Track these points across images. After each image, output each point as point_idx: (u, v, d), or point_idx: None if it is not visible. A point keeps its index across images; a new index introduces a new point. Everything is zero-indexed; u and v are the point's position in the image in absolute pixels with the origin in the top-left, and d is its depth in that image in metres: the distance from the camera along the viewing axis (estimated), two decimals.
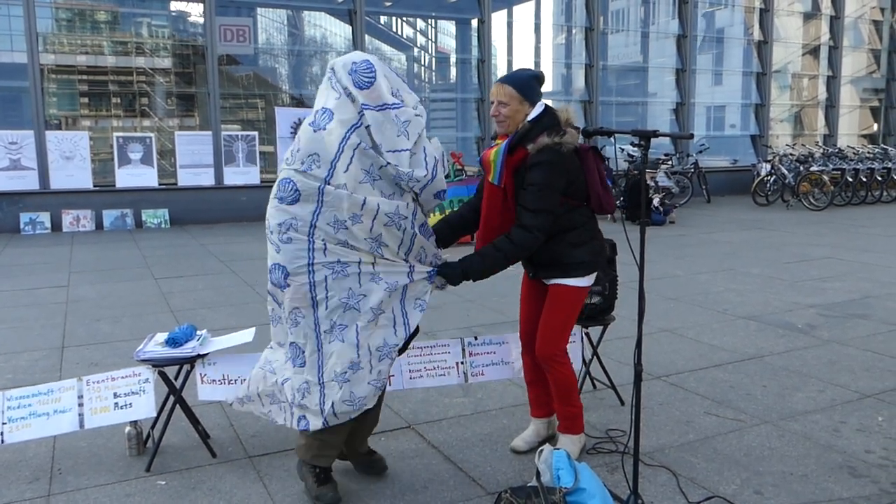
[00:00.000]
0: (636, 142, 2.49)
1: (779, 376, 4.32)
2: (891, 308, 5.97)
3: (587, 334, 3.83)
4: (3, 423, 3.07)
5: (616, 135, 2.73)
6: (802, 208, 13.91)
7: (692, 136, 2.70)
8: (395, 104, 2.63)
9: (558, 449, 2.73)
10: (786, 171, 14.83)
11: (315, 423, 2.72)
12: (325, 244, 2.60)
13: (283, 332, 2.79)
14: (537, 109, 2.98)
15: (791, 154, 15.58)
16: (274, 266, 2.66)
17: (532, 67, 17.67)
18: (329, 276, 2.61)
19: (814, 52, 20.05)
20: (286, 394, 2.78)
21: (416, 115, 2.69)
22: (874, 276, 7.30)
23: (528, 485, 2.70)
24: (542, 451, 2.72)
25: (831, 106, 19.96)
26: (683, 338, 5.16)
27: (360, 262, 2.64)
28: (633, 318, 2.81)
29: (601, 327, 3.84)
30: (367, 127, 2.59)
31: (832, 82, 19.84)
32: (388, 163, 2.59)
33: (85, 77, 13.83)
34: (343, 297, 2.63)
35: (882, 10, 21.01)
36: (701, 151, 15.78)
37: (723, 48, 19.17)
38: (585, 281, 3.10)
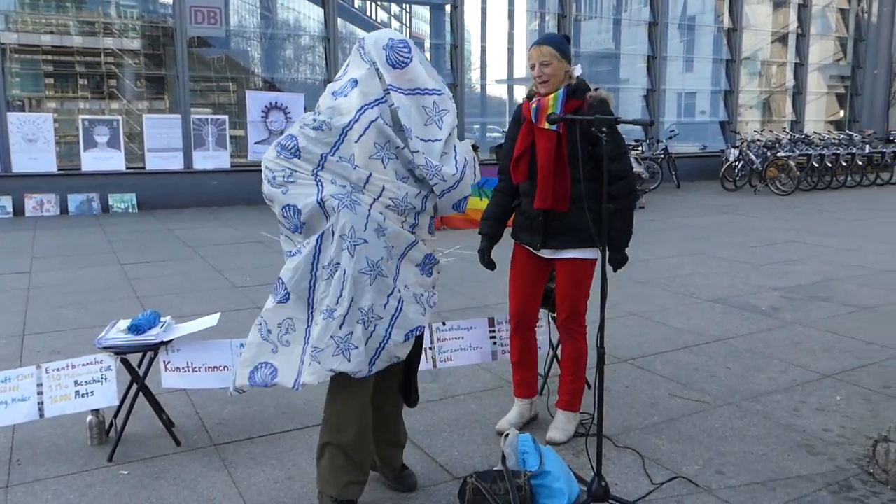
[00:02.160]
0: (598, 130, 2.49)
1: (742, 358, 4.39)
2: (851, 290, 6.09)
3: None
4: None
5: (579, 120, 2.73)
6: (769, 193, 14.11)
7: (652, 122, 2.77)
8: (434, 90, 2.46)
9: (523, 433, 2.74)
10: (753, 157, 15.03)
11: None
12: (332, 182, 2.39)
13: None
14: (579, 69, 3.10)
15: (759, 140, 15.80)
16: (287, 207, 2.43)
17: (501, 53, 17.67)
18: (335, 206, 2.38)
19: (782, 39, 20.28)
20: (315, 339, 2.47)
21: (454, 108, 2.54)
22: (836, 260, 7.45)
23: (494, 469, 2.72)
24: (507, 434, 2.73)
25: (798, 93, 20.23)
26: (650, 321, 5.22)
27: (371, 205, 2.41)
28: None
29: None
30: (392, 107, 2.41)
31: (800, 70, 20.09)
32: (416, 150, 2.40)
33: (50, 57, 13.50)
34: (344, 232, 2.38)
35: None
36: (671, 137, 15.92)
37: (693, 35, 19.30)
38: (594, 253, 3.15)
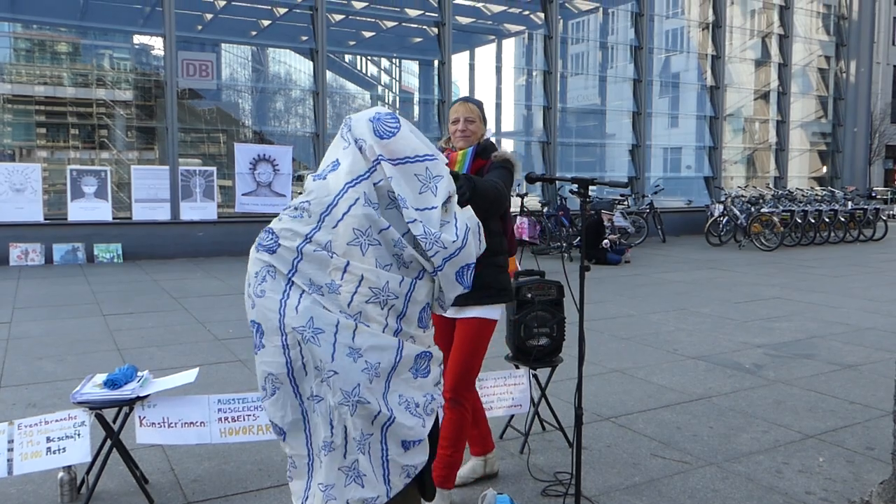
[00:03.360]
0: (574, 189, 2.54)
1: (725, 417, 4.37)
2: (835, 348, 6.12)
3: (535, 376, 3.84)
4: None
5: (557, 181, 2.78)
6: (754, 248, 14.26)
7: (628, 184, 2.78)
8: (426, 156, 2.30)
9: (501, 493, 2.71)
10: (738, 212, 15.25)
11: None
12: (300, 297, 2.22)
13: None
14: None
15: (743, 195, 16.05)
16: (252, 323, 2.33)
17: (489, 107, 17.99)
18: (300, 339, 2.22)
19: (764, 97, 20.82)
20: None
21: (448, 173, 2.38)
22: (820, 316, 7.49)
23: None
24: (484, 495, 2.70)
25: (781, 149, 20.67)
26: (634, 378, 5.20)
27: (336, 325, 2.20)
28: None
29: (549, 369, 3.86)
30: (379, 184, 2.26)
31: (782, 127, 20.57)
32: (412, 220, 2.24)
33: (42, 107, 13.65)
34: (317, 364, 2.23)
35: (827, 58, 21.96)
36: (656, 192, 16.16)
37: (678, 92, 19.78)
38: (499, 313, 3.09)
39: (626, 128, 18.01)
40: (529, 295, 3.70)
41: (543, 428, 4.05)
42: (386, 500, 2.27)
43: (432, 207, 2.27)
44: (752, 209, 15.06)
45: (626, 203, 15.12)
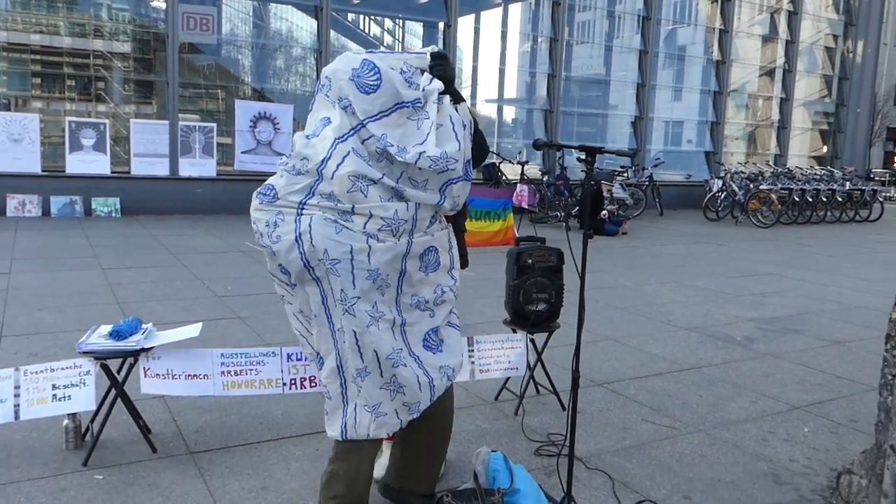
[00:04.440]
0: (581, 157, 2.57)
1: (715, 386, 4.47)
2: (825, 324, 6.21)
3: (532, 340, 3.91)
4: None
5: (565, 148, 2.81)
6: (750, 225, 14.32)
7: (634, 154, 2.81)
8: (415, 100, 2.39)
9: (495, 451, 2.79)
10: (736, 188, 15.28)
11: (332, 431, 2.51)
12: (309, 222, 2.34)
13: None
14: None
15: (742, 172, 16.06)
16: (278, 267, 2.45)
17: (493, 73, 17.83)
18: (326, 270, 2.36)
19: (769, 74, 20.69)
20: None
21: (431, 86, 2.42)
22: (812, 294, 7.58)
23: (467, 487, 2.76)
24: (479, 452, 2.78)
25: (783, 127, 20.61)
26: (627, 346, 5.29)
27: (351, 251, 2.34)
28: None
29: (546, 334, 3.93)
30: (366, 140, 2.36)
31: (785, 104, 20.49)
32: (412, 162, 2.33)
33: (38, 57, 13.48)
34: (339, 298, 2.38)
35: (835, 37, 21.78)
36: (656, 165, 16.15)
37: (683, 65, 19.63)
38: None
39: (630, 99, 17.91)
40: (530, 261, 3.75)
41: (538, 391, 4.14)
42: (428, 404, 2.50)
43: (427, 134, 2.37)
44: (751, 186, 15.09)
45: (625, 175, 15.11)
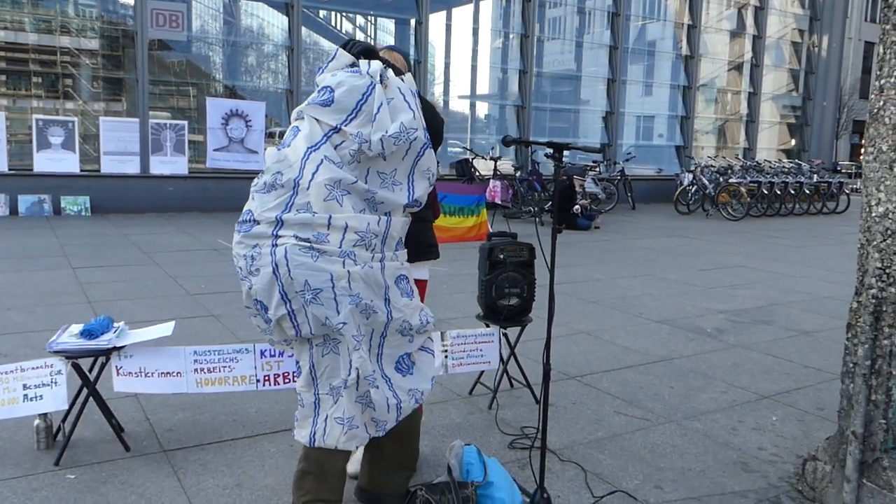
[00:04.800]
0: (548, 153, 2.60)
1: (686, 378, 4.55)
2: (793, 315, 6.34)
3: (505, 335, 3.95)
4: None
5: (533, 145, 2.84)
6: (721, 218, 14.54)
7: (601, 150, 2.84)
8: (369, 86, 2.45)
9: (469, 444, 2.82)
10: (706, 182, 15.49)
11: (301, 434, 2.53)
12: (285, 252, 2.34)
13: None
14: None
15: (712, 165, 16.29)
16: (254, 303, 2.45)
17: (465, 70, 17.87)
18: (304, 304, 2.38)
19: (738, 68, 20.99)
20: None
21: (373, 67, 2.49)
22: (780, 285, 7.73)
23: (441, 481, 2.78)
24: (453, 446, 2.80)
25: (751, 121, 20.93)
26: (599, 339, 5.36)
27: (332, 278, 2.37)
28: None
29: (519, 328, 3.97)
30: (339, 146, 2.42)
31: (753, 98, 20.80)
32: (378, 137, 2.39)
33: (3, 54, 13.21)
34: (323, 322, 2.41)
35: (801, 32, 22.15)
36: (628, 160, 16.31)
37: (653, 61, 19.84)
38: (426, 272, 3.05)
39: (601, 94, 18.05)
40: (502, 256, 3.78)
41: (511, 385, 4.18)
42: (394, 424, 2.55)
43: (381, 114, 2.43)
44: (721, 179, 15.32)
45: (597, 169, 15.25)
